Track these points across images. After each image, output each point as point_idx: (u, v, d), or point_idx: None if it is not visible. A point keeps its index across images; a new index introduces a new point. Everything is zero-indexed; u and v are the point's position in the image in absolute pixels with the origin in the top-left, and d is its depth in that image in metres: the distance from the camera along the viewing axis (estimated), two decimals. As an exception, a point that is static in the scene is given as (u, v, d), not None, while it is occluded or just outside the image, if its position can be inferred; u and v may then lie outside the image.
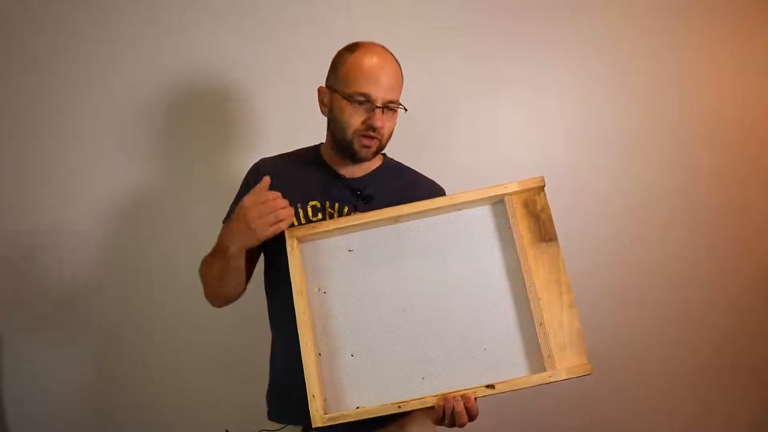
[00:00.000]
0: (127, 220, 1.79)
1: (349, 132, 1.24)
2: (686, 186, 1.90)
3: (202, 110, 1.81)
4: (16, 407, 1.74)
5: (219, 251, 1.22)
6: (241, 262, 1.22)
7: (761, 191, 1.92)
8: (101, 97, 1.79)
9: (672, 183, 1.89)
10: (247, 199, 1.15)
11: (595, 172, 1.89)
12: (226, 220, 1.36)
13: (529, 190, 1.17)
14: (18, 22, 1.78)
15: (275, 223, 1.14)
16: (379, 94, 1.21)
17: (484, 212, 1.19)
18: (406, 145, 1.43)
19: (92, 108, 1.79)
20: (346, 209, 1.27)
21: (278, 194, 1.15)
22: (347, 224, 1.18)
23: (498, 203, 1.18)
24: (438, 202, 1.18)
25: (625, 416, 1.87)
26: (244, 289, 1.33)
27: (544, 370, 1.09)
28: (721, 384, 1.89)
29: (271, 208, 1.14)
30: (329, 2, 1.84)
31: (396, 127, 1.31)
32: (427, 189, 1.34)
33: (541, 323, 1.11)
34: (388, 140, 1.29)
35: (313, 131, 1.39)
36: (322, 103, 1.31)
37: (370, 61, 1.23)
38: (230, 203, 1.37)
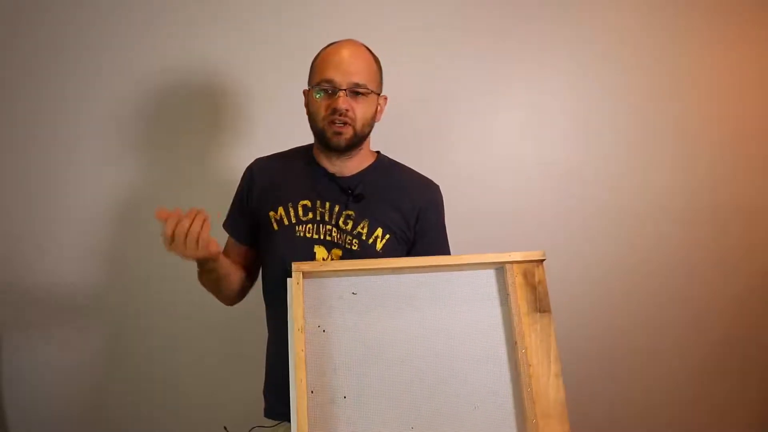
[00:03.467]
0: (127, 221, 1.78)
1: (319, 121, 1.27)
2: (686, 186, 1.91)
3: (201, 111, 1.83)
4: (16, 407, 1.70)
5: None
6: (217, 266, 1.23)
7: (761, 192, 1.93)
8: (99, 99, 1.79)
9: (672, 183, 1.91)
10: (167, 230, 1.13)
11: (595, 171, 1.89)
12: (226, 222, 1.37)
13: (529, 261, 1.23)
14: (15, 23, 1.78)
15: (202, 247, 1.13)
16: (342, 78, 1.24)
17: (485, 276, 1.24)
18: (405, 145, 1.46)
19: (91, 109, 1.79)
20: (336, 208, 1.30)
21: (190, 216, 1.12)
22: (353, 268, 1.20)
23: (499, 269, 1.24)
24: (441, 260, 1.23)
25: (625, 415, 1.85)
26: (250, 285, 1.38)
27: (529, 435, 1.12)
28: (721, 383, 1.89)
29: (185, 235, 1.12)
30: (325, 2, 1.85)
31: (395, 127, 1.33)
32: (419, 189, 1.37)
33: (529, 389, 1.15)
34: (365, 127, 1.29)
35: (308, 131, 1.38)
36: (305, 105, 1.34)
37: (335, 50, 1.28)
38: (229, 204, 1.40)
